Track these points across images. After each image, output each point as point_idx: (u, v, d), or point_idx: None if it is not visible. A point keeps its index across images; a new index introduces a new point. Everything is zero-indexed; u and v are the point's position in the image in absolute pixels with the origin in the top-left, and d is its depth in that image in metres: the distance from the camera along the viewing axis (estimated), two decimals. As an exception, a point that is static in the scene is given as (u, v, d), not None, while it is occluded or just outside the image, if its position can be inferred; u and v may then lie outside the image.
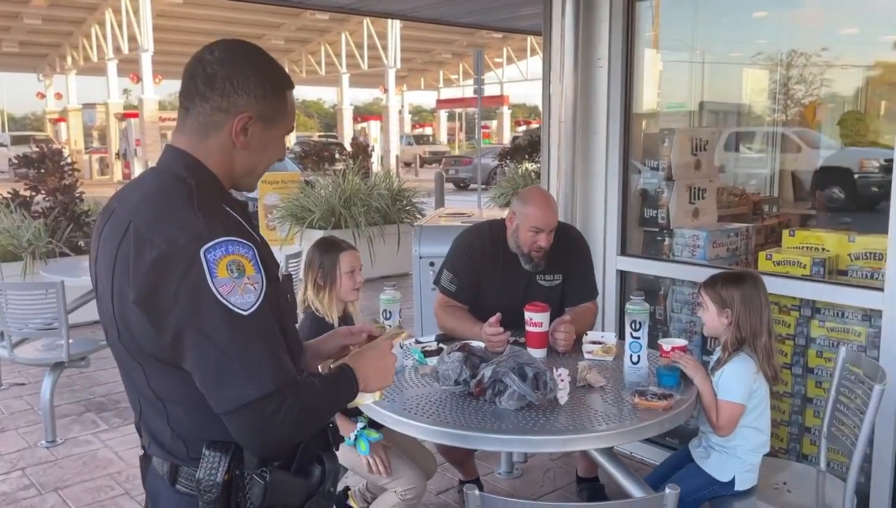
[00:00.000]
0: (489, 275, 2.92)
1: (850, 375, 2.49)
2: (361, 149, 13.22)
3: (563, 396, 2.19)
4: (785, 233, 3.45)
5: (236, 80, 1.32)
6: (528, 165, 12.93)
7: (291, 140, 31.11)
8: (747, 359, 2.33)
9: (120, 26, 23.61)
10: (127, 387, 1.41)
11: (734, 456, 2.37)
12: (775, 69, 5.59)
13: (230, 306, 1.21)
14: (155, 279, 1.21)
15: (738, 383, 2.30)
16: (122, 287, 1.26)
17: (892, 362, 2.67)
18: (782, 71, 5.58)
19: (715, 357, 2.45)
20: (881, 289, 2.81)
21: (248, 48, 1.39)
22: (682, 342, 2.47)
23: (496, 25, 8.61)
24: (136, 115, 25.12)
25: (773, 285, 3.14)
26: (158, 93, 23.96)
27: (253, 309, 1.22)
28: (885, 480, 2.81)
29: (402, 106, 38.12)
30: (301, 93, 53.39)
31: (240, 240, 1.25)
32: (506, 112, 38.54)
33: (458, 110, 42.07)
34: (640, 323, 2.36)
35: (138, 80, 23.89)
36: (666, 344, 2.44)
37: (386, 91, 30.94)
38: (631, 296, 2.43)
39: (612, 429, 2.08)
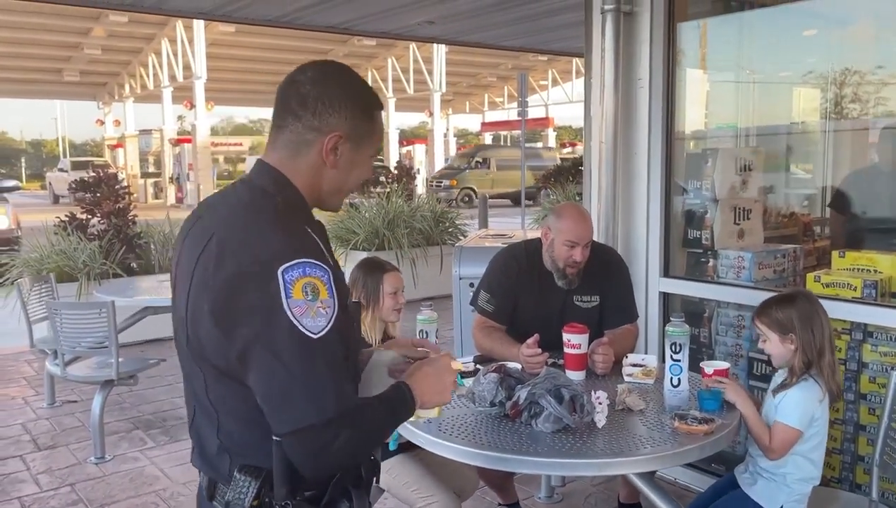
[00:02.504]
0: (525, 293, 2.91)
1: (903, 402, 2.39)
2: (405, 172, 13.33)
3: (600, 419, 2.16)
4: (834, 254, 3.34)
5: (328, 99, 1.35)
6: (573, 188, 12.84)
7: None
8: (815, 386, 2.23)
9: (175, 55, 24.37)
10: (186, 393, 1.43)
11: (783, 484, 2.28)
12: (827, 87, 5.45)
13: (301, 328, 1.21)
14: (232, 293, 1.23)
15: (801, 408, 2.21)
16: (199, 296, 1.28)
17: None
18: (835, 89, 5.45)
19: (779, 379, 2.34)
20: (937, 313, 2.71)
21: (340, 69, 1.42)
22: (724, 365, 2.41)
23: (540, 48, 8.65)
24: (189, 141, 25.87)
25: (822, 308, 3.06)
26: (211, 118, 24.60)
27: (322, 334, 1.22)
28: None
29: (448, 129, 38.35)
30: (348, 117, 54.20)
31: (317, 262, 1.25)
32: (551, 134, 38.47)
33: (503, 133, 42.19)
34: (680, 345, 2.31)
35: (192, 106, 24.61)
36: (707, 367, 2.38)
37: (431, 115, 31.20)
38: (671, 318, 2.38)
39: (650, 454, 2.04)
